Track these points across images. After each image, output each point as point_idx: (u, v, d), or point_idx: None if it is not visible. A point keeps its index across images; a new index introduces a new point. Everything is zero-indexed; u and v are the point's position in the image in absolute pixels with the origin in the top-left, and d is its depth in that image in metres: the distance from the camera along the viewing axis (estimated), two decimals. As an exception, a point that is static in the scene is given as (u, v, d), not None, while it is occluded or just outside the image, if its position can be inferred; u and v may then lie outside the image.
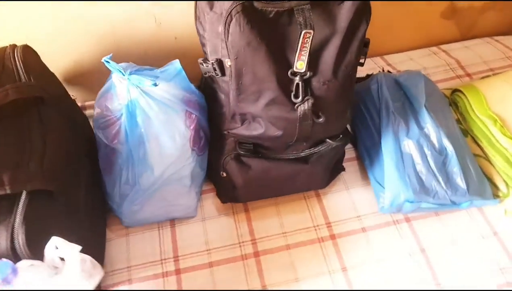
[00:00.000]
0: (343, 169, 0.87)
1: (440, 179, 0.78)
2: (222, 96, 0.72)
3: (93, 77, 0.88)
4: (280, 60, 0.63)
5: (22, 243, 0.55)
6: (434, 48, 1.10)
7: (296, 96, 0.65)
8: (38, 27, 0.83)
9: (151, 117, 0.68)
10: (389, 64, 1.07)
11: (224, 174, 0.78)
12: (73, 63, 0.89)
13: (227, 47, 0.62)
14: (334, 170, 0.84)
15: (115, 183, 0.74)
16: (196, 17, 0.69)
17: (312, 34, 0.61)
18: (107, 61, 0.68)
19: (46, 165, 0.60)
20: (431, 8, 1.05)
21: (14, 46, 0.71)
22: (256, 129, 0.70)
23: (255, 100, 0.66)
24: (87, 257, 0.56)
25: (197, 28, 0.70)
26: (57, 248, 0.54)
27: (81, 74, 0.91)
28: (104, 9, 0.83)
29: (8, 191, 0.56)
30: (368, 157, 0.86)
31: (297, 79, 0.64)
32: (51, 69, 0.75)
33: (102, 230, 0.80)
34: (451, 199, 0.77)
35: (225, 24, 0.59)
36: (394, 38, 1.07)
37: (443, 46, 1.10)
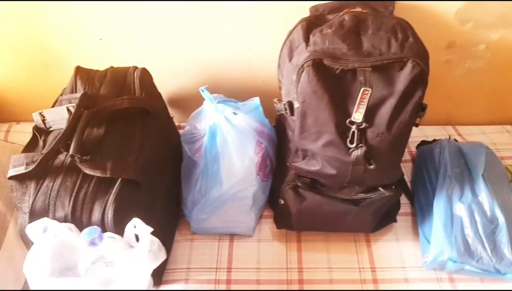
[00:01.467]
0: (395, 220, 0.92)
1: (487, 246, 0.80)
2: (289, 132, 0.84)
3: (190, 103, 1.05)
4: (341, 110, 0.73)
5: (110, 218, 0.70)
6: (508, 127, 1.11)
7: (351, 142, 0.74)
8: (156, 55, 1.05)
9: (227, 140, 0.82)
10: (459, 134, 1.10)
11: (282, 201, 0.88)
12: (177, 88, 1.09)
13: (297, 92, 0.74)
14: (384, 218, 0.90)
15: (190, 191, 0.88)
16: (278, 65, 0.83)
17: (370, 92, 0.71)
18: (202, 90, 0.85)
19: (140, 163, 0.77)
20: (507, 86, 1.08)
21: (135, 68, 0.91)
22: (314, 165, 0.80)
23: (315, 140, 0.76)
24: (156, 240, 0.69)
25: (278, 74, 0.84)
26: (135, 226, 0.68)
27: (181, 98, 1.11)
28: (210, 48, 1.02)
29: (108, 175, 0.72)
30: (421, 214, 0.91)
31: (353, 127, 0.74)
32: (159, 90, 0.94)
33: (173, 230, 0.94)
34: (495, 266, 0.79)
35: (298, 73, 0.72)
36: (469, 111, 1.11)
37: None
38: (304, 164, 0.82)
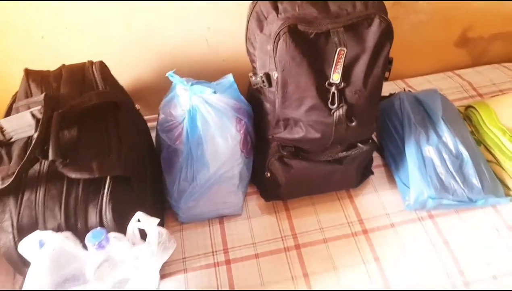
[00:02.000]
0: (372, 173, 0.98)
1: (458, 179, 0.88)
2: (267, 105, 0.85)
3: (152, 92, 1.02)
4: (319, 73, 0.76)
5: (109, 218, 0.67)
6: (449, 73, 1.22)
7: (332, 103, 0.77)
8: (109, 46, 0.99)
9: (208, 121, 0.81)
10: (409, 86, 1.20)
11: (269, 174, 0.89)
12: (134, 80, 1.05)
13: (275, 62, 0.75)
14: (364, 172, 0.95)
15: (175, 181, 0.86)
16: (247, 39, 0.83)
17: (345, 51, 0.74)
18: (171, 75, 0.82)
19: (123, 158, 0.73)
20: (446, 37, 1.19)
21: (91, 62, 0.86)
22: (297, 133, 0.82)
23: (297, 107, 0.78)
24: (164, 230, 0.67)
25: (247, 48, 0.84)
26: (139, 221, 0.65)
27: (140, 89, 1.06)
28: (165, 32, 0.99)
29: (97, 175, 0.68)
30: (394, 162, 0.97)
31: (333, 89, 0.76)
32: (119, 83, 0.90)
33: (161, 224, 0.91)
34: (468, 196, 0.87)
35: (274, 42, 0.73)
36: (413, 64, 1.20)
37: (457, 71, 1.23)
38: (287, 133, 0.84)
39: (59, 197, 0.67)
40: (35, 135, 0.69)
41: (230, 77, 0.84)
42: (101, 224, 0.67)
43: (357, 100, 0.78)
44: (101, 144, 0.74)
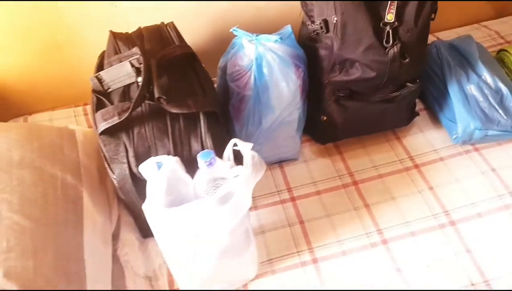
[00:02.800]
0: (418, 114, 1.05)
1: (501, 111, 0.96)
2: (322, 52, 0.93)
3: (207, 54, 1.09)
4: (374, 14, 0.84)
5: (210, 145, 0.76)
6: (476, 25, 1.31)
7: (387, 42, 0.85)
8: (167, 14, 1.06)
9: (273, 67, 0.89)
10: (439, 39, 1.27)
11: (325, 118, 0.97)
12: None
13: (334, 7, 0.84)
14: (412, 111, 1.03)
15: (243, 126, 0.94)
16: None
17: (399, -8, 0.83)
18: (235, 30, 0.91)
19: (210, 98, 0.82)
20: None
21: (163, 23, 0.95)
22: (353, 74, 0.90)
23: (355, 47, 0.86)
24: (255, 154, 0.74)
25: (303, 2, 0.92)
26: (235, 145, 0.73)
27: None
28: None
29: (194, 110, 0.76)
30: (437, 104, 1.05)
31: (387, 28, 0.85)
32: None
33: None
34: (511, 125, 0.95)
35: (336, -12, 0.82)
36: (440, 18, 1.28)
37: (483, 23, 1.31)
38: (343, 76, 0.91)
39: (166, 130, 0.76)
40: (140, 79, 0.78)
41: (288, 28, 0.92)
42: (202, 149, 0.76)
43: (409, 38, 0.86)
44: (189, 88, 0.83)
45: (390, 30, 0.85)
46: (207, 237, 0.74)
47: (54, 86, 1.13)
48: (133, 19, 1.03)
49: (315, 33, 0.91)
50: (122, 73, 0.82)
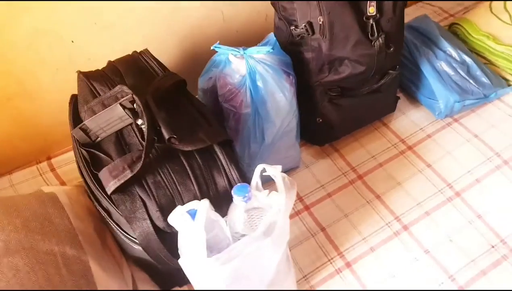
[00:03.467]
0: (399, 97, 1.08)
1: (471, 81, 1.03)
2: (308, 54, 0.91)
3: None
4: (357, 10, 0.85)
5: (236, 177, 0.70)
6: (420, 4, 1.37)
7: (372, 35, 0.86)
8: (133, 42, 0.97)
9: (267, 79, 0.85)
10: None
11: (320, 120, 0.96)
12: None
13: (319, 8, 0.82)
14: (395, 97, 1.06)
15: (245, 146, 0.89)
16: (279, -2, 0.89)
17: (377, -14, 0.84)
18: (218, 47, 0.85)
19: (217, 126, 0.76)
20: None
21: (136, 52, 0.86)
22: (344, 72, 0.90)
23: (344, 45, 0.86)
24: (285, 175, 0.71)
25: (280, 6, 0.90)
26: (265, 170, 0.69)
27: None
28: (183, 14, 1.00)
29: (208, 143, 0.70)
30: (413, 85, 1.09)
31: (370, 21, 0.86)
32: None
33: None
34: (483, 93, 1.03)
35: (320, -10, 0.81)
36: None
37: (426, 1, 1.38)
38: (333, 75, 0.91)
39: (185, 171, 0.68)
40: (141, 121, 0.70)
41: (272, 36, 0.89)
42: (230, 185, 0.70)
43: (391, 28, 0.88)
44: (190, 119, 0.75)
45: (374, 23, 0.86)
46: (255, 274, 0.69)
47: (8, 144, 0.98)
48: (95, 52, 0.93)
49: (300, 37, 0.89)
50: (113, 119, 0.72)
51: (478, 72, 1.04)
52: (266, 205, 0.69)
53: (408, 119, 1.08)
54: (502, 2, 1.15)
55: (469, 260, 0.84)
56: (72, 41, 0.89)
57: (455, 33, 1.18)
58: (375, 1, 0.85)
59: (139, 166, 0.64)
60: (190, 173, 0.68)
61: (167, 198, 0.66)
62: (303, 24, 0.86)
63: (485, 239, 0.87)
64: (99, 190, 0.69)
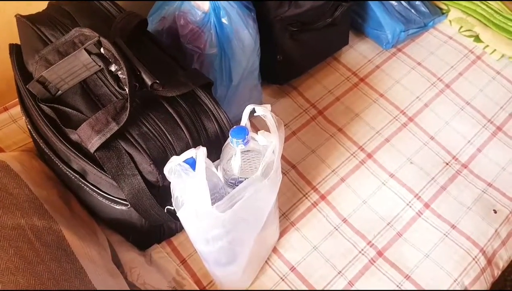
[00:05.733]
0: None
1: (413, 11, 1.08)
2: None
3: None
4: None
5: (226, 121, 0.67)
6: None
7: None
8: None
9: (232, 16, 0.80)
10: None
11: (281, 57, 0.94)
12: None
13: None
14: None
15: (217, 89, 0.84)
16: None
17: None
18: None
19: (190, 69, 0.70)
20: None
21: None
22: (305, 5, 0.88)
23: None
24: (272, 114, 0.68)
25: None
26: (255, 110, 0.65)
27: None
28: None
29: (192, 87, 0.65)
30: (360, 17, 1.10)
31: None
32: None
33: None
34: (424, 21, 1.08)
35: None
36: None
37: None
38: (294, 9, 0.88)
39: (172, 119, 0.62)
40: (115, 67, 0.62)
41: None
42: (220, 129, 0.67)
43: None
44: (162, 62, 0.68)
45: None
46: (253, 217, 0.68)
47: None
48: None
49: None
50: (77, 67, 0.63)
51: (418, 2, 1.08)
52: (257, 147, 0.67)
53: (356, 52, 1.10)
54: None
55: (429, 178, 0.91)
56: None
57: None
58: None
59: (125, 116, 0.57)
60: (178, 120, 0.62)
61: (158, 149, 0.60)
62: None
63: (440, 157, 0.95)
64: (72, 150, 0.61)
